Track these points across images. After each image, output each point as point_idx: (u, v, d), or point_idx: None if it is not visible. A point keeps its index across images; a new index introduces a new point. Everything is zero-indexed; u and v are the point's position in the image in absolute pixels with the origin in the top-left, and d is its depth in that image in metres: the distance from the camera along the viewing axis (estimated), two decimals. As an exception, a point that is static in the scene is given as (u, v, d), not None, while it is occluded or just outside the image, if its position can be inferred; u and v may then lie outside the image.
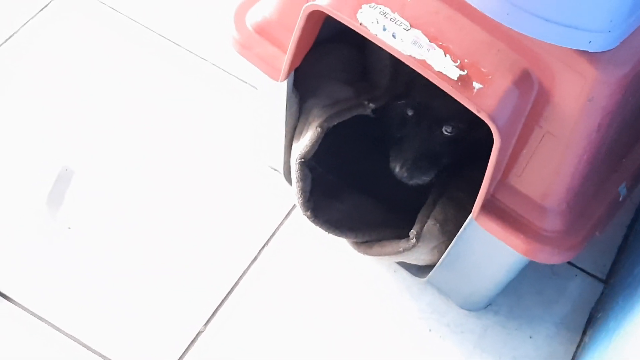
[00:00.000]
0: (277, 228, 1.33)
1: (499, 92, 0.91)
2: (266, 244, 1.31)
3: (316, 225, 1.17)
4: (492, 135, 0.92)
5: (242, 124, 1.43)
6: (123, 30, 1.52)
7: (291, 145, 1.20)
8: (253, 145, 1.40)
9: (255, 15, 1.13)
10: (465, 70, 0.91)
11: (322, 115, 1.13)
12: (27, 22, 1.51)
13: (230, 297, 1.26)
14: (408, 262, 1.23)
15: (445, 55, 0.91)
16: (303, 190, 1.16)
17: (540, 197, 1.01)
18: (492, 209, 1.03)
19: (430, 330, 1.26)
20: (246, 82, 1.48)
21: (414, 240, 1.13)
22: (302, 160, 1.14)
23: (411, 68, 0.94)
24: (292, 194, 1.18)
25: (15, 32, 1.49)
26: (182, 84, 1.47)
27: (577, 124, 0.93)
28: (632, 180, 1.11)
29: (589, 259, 1.35)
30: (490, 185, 1.00)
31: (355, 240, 1.21)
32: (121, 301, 1.24)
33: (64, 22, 1.52)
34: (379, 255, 1.19)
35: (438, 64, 0.91)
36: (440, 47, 0.92)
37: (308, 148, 1.13)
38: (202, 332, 1.23)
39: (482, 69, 0.91)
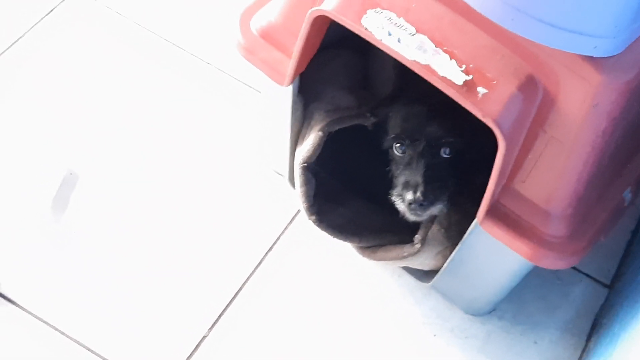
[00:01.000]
0: (282, 233, 1.33)
1: (503, 97, 0.91)
2: (271, 248, 1.31)
3: (321, 230, 1.18)
4: (496, 141, 0.92)
5: (246, 128, 1.43)
6: (128, 35, 1.53)
7: (295, 149, 1.20)
8: (257, 149, 1.40)
9: (260, 20, 1.13)
10: (470, 76, 0.91)
11: (323, 120, 1.13)
12: (33, 26, 1.51)
13: (235, 301, 1.26)
14: (412, 267, 1.23)
15: (451, 60, 0.91)
16: (307, 195, 1.16)
17: (544, 202, 1.01)
18: (497, 214, 1.03)
19: (434, 335, 1.26)
20: (251, 87, 1.48)
21: (418, 245, 1.13)
22: (305, 164, 1.14)
23: (413, 80, 0.95)
24: (296, 198, 1.18)
25: (20, 37, 1.50)
26: (186, 88, 1.47)
27: (582, 129, 0.93)
28: (637, 185, 1.11)
29: (594, 264, 1.34)
30: (495, 190, 1.00)
31: (359, 245, 1.21)
32: (126, 305, 1.24)
33: (69, 26, 1.52)
34: (384, 260, 1.19)
35: (443, 69, 0.91)
36: (446, 52, 0.92)
37: (310, 152, 1.14)
38: (207, 336, 1.23)
39: (487, 74, 0.91)
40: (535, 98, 0.93)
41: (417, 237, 1.13)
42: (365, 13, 0.94)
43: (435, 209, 1.09)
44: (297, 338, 1.24)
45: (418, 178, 1.07)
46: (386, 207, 1.17)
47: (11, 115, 1.41)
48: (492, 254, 1.09)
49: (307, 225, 1.22)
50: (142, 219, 1.32)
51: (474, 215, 1.04)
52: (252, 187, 1.37)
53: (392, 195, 1.12)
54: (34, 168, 1.35)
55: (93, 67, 1.48)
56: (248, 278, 1.28)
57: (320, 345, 1.24)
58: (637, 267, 1.26)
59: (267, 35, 1.12)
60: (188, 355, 1.21)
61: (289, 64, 1.08)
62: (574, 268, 1.34)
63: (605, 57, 0.88)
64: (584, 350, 1.26)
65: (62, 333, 1.20)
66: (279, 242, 1.32)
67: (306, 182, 1.16)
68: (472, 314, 1.28)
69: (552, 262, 1.02)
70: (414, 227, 1.14)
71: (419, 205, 1.07)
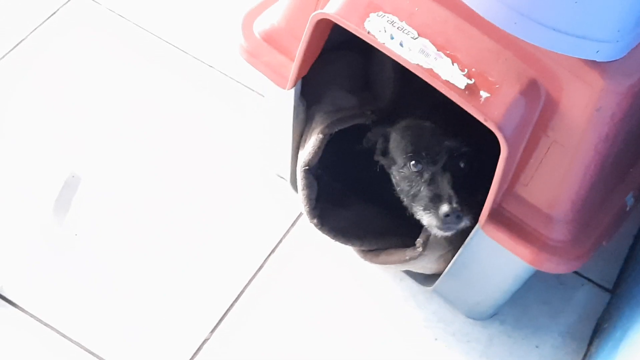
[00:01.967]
0: (284, 236, 1.33)
1: (506, 101, 0.91)
2: (272, 251, 1.31)
3: (322, 233, 1.17)
4: (499, 145, 0.92)
5: (249, 131, 1.43)
6: (131, 38, 1.53)
7: (298, 153, 1.20)
8: (260, 153, 1.40)
9: (263, 24, 1.13)
10: (473, 79, 0.91)
11: (324, 122, 1.13)
12: (36, 29, 1.51)
13: (237, 304, 1.26)
14: (414, 270, 1.23)
15: (453, 64, 0.91)
16: (309, 198, 1.16)
17: (547, 207, 1.01)
18: (499, 218, 1.02)
19: (436, 339, 1.26)
20: (253, 90, 1.48)
21: (420, 249, 1.13)
22: (307, 167, 1.14)
23: (414, 82, 0.95)
24: (298, 202, 1.18)
25: (23, 39, 1.50)
26: (189, 92, 1.47)
27: (585, 134, 0.93)
28: (639, 190, 1.11)
29: (596, 268, 1.34)
30: (497, 194, 1.00)
31: (361, 248, 1.21)
32: (127, 308, 1.24)
33: (72, 29, 1.53)
34: (386, 263, 1.19)
35: (445, 73, 0.91)
36: (448, 55, 0.92)
37: (312, 155, 1.14)
38: (208, 339, 1.22)
39: (490, 78, 0.91)
40: (538, 102, 0.93)
41: (419, 241, 1.13)
42: (368, 16, 0.94)
43: (466, 222, 1.06)
44: (298, 341, 1.24)
45: (449, 190, 1.05)
46: (389, 211, 1.17)
47: (13, 117, 1.41)
48: (494, 258, 1.09)
49: (309, 228, 1.22)
50: (144, 222, 1.32)
51: (476, 219, 1.04)
52: (255, 191, 1.37)
53: (415, 211, 1.09)
54: (36, 170, 1.35)
55: (95, 69, 1.48)
56: (250, 281, 1.28)
57: (321, 348, 1.23)
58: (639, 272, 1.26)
59: (270, 38, 1.12)
60: (189, 358, 1.20)
61: (292, 67, 1.08)
62: (576, 272, 1.34)
63: (608, 62, 0.88)
64: (585, 355, 1.26)
65: (64, 335, 1.20)
66: (280, 245, 1.32)
67: (308, 185, 1.16)
68: (474, 318, 1.28)
69: (554, 266, 1.02)
70: (416, 231, 1.14)
71: (456, 216, 1.04)
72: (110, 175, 1.36)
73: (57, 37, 1.51)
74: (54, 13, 1.54)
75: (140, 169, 1.37)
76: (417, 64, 0.92)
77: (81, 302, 1.23)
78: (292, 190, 1.32)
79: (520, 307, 1.29)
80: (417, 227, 1.14)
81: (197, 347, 1.22)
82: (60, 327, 1.21)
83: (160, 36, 1.54)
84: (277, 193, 1.37)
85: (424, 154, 1.07)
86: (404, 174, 1.10)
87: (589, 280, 1.34)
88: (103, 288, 1.25)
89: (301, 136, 1.20)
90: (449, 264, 1.15)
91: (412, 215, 1.11)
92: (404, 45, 0.93)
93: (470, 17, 0.91)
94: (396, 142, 1.11)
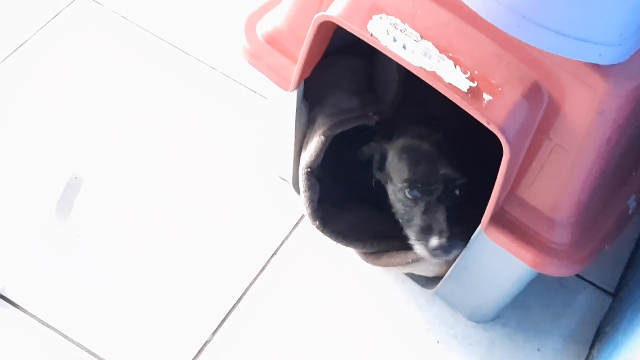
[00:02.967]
0: (286, 238, 1.33)
1: (508, 104, 0.91)
2: (274, 253, 1.31)
3: (325, 235, 1.18)
4: (501, 148, 0.92)
5: (251, 133, 1.43)
6: (133, 39, 1.53)
7: (300, 155, 1.20)
8: (262, 154, 1.40)
9: (265, 25, 1.13)
10: (475, 82, 0.91)
11: (326, 124, 1.13)
12: (39, 30, 1.52)
13: (239, 306, 1.26)
14: (416, 273, 1.23)
15: (456, 67, 0.91)
16: (311, 200, 1.16)
17: (549, 210, 1.00)
18: (501, 221, 1.02)
19: (437, 341, 1.26)
20: (256, 92, 1.49)
21: (422, 252, 1.13)
22: (309, 169, 1.15)
23: (418, 86, 0.95)
24: (300, 204, 1.18)
25: (26, 40, 1.50)
26: (192, 93, 1.47)
27: (587, 137, 0.93)
28: (642, 193, 1.11)
29: (598, 272, 1.34)
30: (499, 197, 1.00)
31: (363, 250, 1.21)
32: (129, 309, 1.24)
33: (75, 30, 1.53)
34: (388, 265, 1.19)
35: (448, 76, 0.91)
36: (451, 58, 0.92)
37: (313, 157, 1.14)
38: (210, 341, 1.22)
39: (492, 81, 0.91)
40: (541, 105, 0.93)
41: (421, 243, 1.13)
42: (371, 19, 0.94)
43: (456, 252, 1.09)
44: (300, 343, 1.24)
45: (441, 224, 1.06)
46: (390, 213, 1.17)
47: (16, 118, 1.41)
48: (496, 260, 1.09)
49: (311, 230, 1.22)
50: (146, 223, 1.32)
51: (478, 222, 1.04)
52: (257, 193, 1.37)
53: (408, 237, 1.10)
54: (38, 171, 1.35)
55: (98, 71, 1.48)
56: (252, 283, 1.28)
57: (323, 350, 1.23)
58: (642, 275, 1.26)
59: (273, 40, 1.12)
60: (191, 359, 1.20)
61: (294, 70, 1.08)
62: (578, 276, 1.34)
63: (611, 65, 0.88)
64: (587, 358, 1.26)
65: (65, 337, 1.20)
66: (282, 247, 1.32)
67: (310, 187, 1.16)
68: (476, 321, 1.28)
69: (556, 269, 1.02)
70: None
71: (445, 249, 1.06)
72: (112, 176, 1.36)
73: (60, 38, 1.51)
74: (58, 14, 1.54)
75: (142, 170, 1.37)
76: (420, 67, 0.92)
77: (83, 303, 1.23)
78: (294, 192, 1.32)
79: (522, 310, 1.29)
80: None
81: (199, 348, 1.22)
82: (61, 328, 1.21)
83: (163, 38, 1.54)
84: (279, 195, 1.37)
85: (419, 185, 1.08)
86: (399, 198, 1.11)
87: (591, 283, 1.34)
88: (105, 289, 1.25)
89: (303, 138, 1.20)
90: (450, 266, 1.15)
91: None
92: (406, 47, 0.93)
93: (473, 19, 0.91)
94: (394, 163, 1.12)
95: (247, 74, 1.48)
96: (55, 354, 1.19)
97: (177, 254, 1.29)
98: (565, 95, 0.92)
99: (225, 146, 1.41)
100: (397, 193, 1.11)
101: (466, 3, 0.88)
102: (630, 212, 1.09)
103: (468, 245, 1.08)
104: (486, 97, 0.91)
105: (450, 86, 0.91)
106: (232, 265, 1.29)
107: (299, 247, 1.32)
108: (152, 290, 1.26)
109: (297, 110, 1.15)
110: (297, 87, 1.10)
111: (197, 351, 1.21)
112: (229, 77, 1.50)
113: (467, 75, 0.91)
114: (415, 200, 1.09)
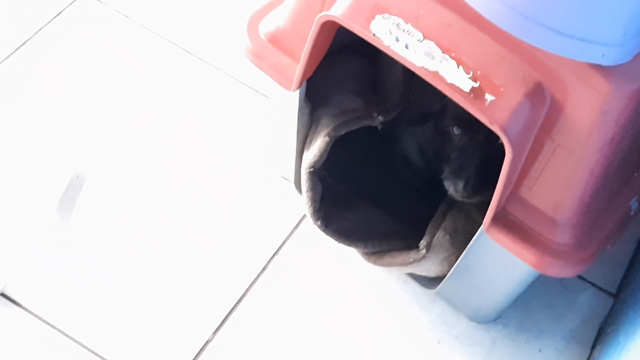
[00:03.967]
0: (287, 237, 1.33)
1: (511, 104, 0.91)
2: (276, 253, 1.31)
3: (326, 235, 1.17)
4: (503, 148, 0.92)
5: (253, 132, 1.43)
6: (136, 38, 1.53)
7: (302, 154, 1.20)
8: (264, 154, 1.40)
9: (268, 25, 1.13)
10: (478, 82, 0.91)
11: (330, 125, 1.13)
12: (41, 29, 1.52)
13: (240, 305, 1.26)
14: (418, 273, 1.23)
15: (458, 67, 0.91)
16: (313, 200, 1.16)
17: (551, 210, 1.00)
18: (503, 221, 1.02)
19: (439, 342, 1.26)
20: (258, 91, 1.49)
21: (423, 251, 1.13)
22: (312, 169, 1.14)
23: (423, 85, 0.94)
24: (302, 203, 1.18)
25: (28, 39, 1.50)
26: (194, 92, 1.47)
27: (590, 138, 0.93)
28: (644, 194, 1.11)
29: (600, 272, 1.34)
30: (501, 197, 0.99)
31: (365, 250, 1.21)
32: (130, 308, 1.24)
33: (77, 29, 1.53)
34: (389, 265, 1.19)
35: (451, 76, 0.91)
36: (453, 58, 0.92)
37: (317, 157, 1.14)
38: (211, 340, 1.22)
39: (495, 81, 0.91)
40: (543, 106, 0.93)
41: (423, 243, 1.13)
42: (374, 18, 0.94)
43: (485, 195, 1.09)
44: (301, 343, 1.24)
45: (471, 169, 1.09)
46: (393, 213, 1.17)
47: (18, 117, 1.41)
48: (497, 261, 1.09)
49: (312, 230, 1.22)
50: (147, 222, 1.32)
51: (479, 222, 1.04)
52: (259, 192, 1.37)
53: (442, 174, 1.13)
54: (40, 170, 1.35)
55: (100, 69, 1.48)
56: (253, 282, 1.28)
57: (324, 350, 1.23)
58: (643, 276, 1.26)
59: (275, 40, 1.12)
60: (192, 359, 1.20)
61: (297, 69, 1.08)
62: (579, 276, 1.34)
63: (614, 65, 0.88)
64: (588, 359, 1.26)
65: (67, 335, 1.20)
66: (284, 247, 1.32)
67: (312, 187, 1.16)
68: (477, 321, 1.28)
69: (558, 270, 1.02)
70: (420, 233, 1.14)
71: (467, 195, 1.10)
72: (114, 175, 1.36)
73: (62, 37, 1.51)
74: (60, 13, 1.54)
75: (144, 169, 1.37)
76: (423, 67, 0.92)
77: (84, 302, 1.23)
78: (296, 192, 1.32)
79: (523, 310, 1.29)
80: (421, 230, 1.14)
81: (200, 348, 1.22)
82: (63, 327, 1.21)
83: (166, 37, 1.54)
84: (281, 194, 1.37)
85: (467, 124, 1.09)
86: (444, 131, 1.13)
87: (593, 284, 1.34)
88: (106, 288, 1.25)
89: (305, 138, 1.20)
90: (452, 266, 1.15)
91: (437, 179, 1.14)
92: (409, 47, 0.93)
93: (476, 20, 0.91)
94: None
95: (250, 73, 1.48)
96: (56, 352, 1.19)
97: (178, 253, 1.29)
98: (568, 95, 0.92)
99: (227, 145, 1.41)
100: (445, 127, 1.12)
101: (469, 3, 0.88)
102: (632, 213, 1.09)
103: (470, 245, 1.08)
104: (489, 97, 0.90)
105: (452, 86, 0.91)
106: (234, 264, 1.29)
107: (301, 247, 1.32)
108: (154, 289, 1.26)
109: (299, 109, 1.15)
110: (300, 86, 1.10)
111: (198, 350, 1.21)
112: (231, 76, 1.50)
113: (470, 76, 0.91)
114: (458, 137, 1.11)
